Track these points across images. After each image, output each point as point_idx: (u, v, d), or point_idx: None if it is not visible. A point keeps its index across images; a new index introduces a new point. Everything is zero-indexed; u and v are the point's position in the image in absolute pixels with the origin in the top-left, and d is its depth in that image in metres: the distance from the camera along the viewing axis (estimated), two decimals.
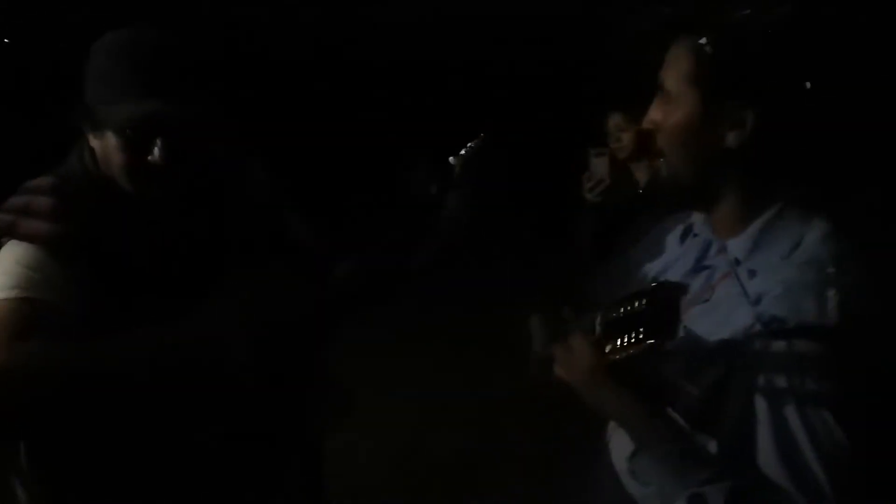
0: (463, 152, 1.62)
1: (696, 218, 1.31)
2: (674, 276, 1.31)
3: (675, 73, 1.16)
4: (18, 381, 1.16)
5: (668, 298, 1.08)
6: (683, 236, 1.34)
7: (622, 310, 1.10)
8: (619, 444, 1.27)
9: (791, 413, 1.05)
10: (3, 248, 1.35)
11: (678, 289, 1.12)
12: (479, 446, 3.81)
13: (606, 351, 1.12)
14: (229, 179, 1.54)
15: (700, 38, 1.12)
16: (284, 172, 1.68)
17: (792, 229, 1.15)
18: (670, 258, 1.35)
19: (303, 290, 1.47)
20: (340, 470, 2.69)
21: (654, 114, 1.19)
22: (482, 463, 3.68)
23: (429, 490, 3.46)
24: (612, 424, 1.34)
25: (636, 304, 1.09)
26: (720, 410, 1.12)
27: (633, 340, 1.08)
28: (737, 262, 1.18)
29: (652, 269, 1.38)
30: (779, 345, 1.07)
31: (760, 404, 1.08)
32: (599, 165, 2.87)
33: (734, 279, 1.17)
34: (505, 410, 4.04)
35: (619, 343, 1.10)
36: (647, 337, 1.06)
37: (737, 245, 1.19)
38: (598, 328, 1.15)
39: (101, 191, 1.38)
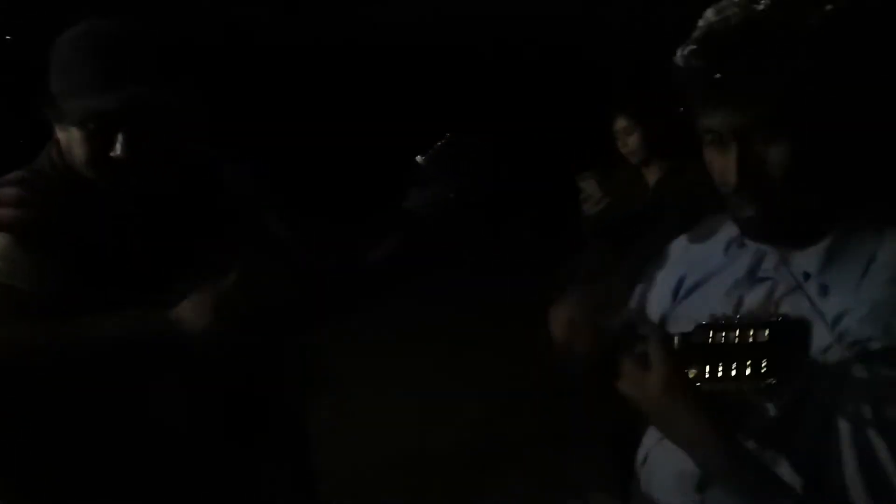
0: (430, 151, 1.62)
1: (734, 226, 1.21)
2: (719, 286, 1.22)
3: (728, 121, 1.07)
4: None
5: (798, 336, 0.98)
6: (728, 246, 1.24)
7: (724, 335, 0.99)
8: (664, 471, 1.20)
9: (879, 440, 0.99)
10: None
11: (808, 328, 1.01)
12: (481, 446, 3.80)
13: (692, 376, 1.01)
14: (202, 174, 1.54)
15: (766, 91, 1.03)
16: (262, 168, 1.67)
17: (864, 244, 1.08)
18: (708, 268, 1.26)
19: (275, 278, 1.47)
20: (338, 469, 2.70)
21: (724, 162, 1.10)
22: (483, 463, 3.66)
23: (429, 490, 3.44)
24: (644, 449, 1.26)
25: (753, 332, 0.97)
26: (799, 436, 1.05)
27: (744, 373, 0.96)
28: (806, 276, 1.10)
29: (689, 277, 1.29)
30: (864, 368, 1.01)
31: (845, 431, 1.01)
32: (591, 187, 2.87)
33: (801, 296, 1.10)
34: (507, 410, 4.04)
35: (715, 371, 0.99)
36: (769, 374, 0.95)
37: (805, 259, 1.11)
38: (677, 343, 1.05)
39: (68, 182, 1.39)
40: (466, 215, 1.65)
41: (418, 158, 1.62)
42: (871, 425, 0.99)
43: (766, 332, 0.96)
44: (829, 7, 1.02)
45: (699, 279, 1.27)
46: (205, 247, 1.45)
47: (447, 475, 3.54)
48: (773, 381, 0.95)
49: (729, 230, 1.24)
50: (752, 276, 1.18)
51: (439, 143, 1.62)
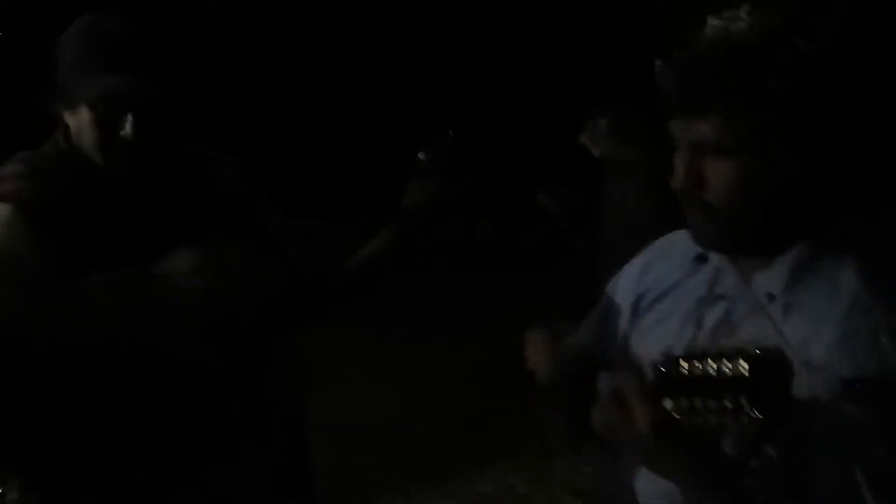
0: (431, 147, 1.63)
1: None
2: (679, 302, 1.21)
3: (685, 130, 1.08)
4: None
5: (780, 370, 0.94)
6: (688, 262, 1.23)
7: (700, 365, 0.95)
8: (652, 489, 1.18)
9: (849, 466, 0.98)
10: None
11: (787, 360, 0.96)
12: (474, 441, 3.80)
13: (669, 408, 0.98)
14: (202, 167, 1.61)
15: (728, 107, 1.04)
16: (260, 164, 1.71)
17: (826, 265, 1.08)
18: (670, 283, 1.25)
19: (268, 269, 1.53)
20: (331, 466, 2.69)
21: (680, 165, 1.10)
22: (475, 456, 3.67)
23: (422, 485, 3.44)
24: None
25: (730, 364, 0.93)
26: (765, 465, 1.04)
27: (725, 408, 0.93)
28: (770, 297, 1.09)
29: (649, 293, 1.28)
30: (833, 397, 0.99)
31: (819, 461, 1.01)
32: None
33: (763, 318, 1.08)
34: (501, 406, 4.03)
35: (693, 404, 0.95)
36: (751, 408, 0.92)
37: (768, 279, 1.10)
38: (650, 377, 1.01)
39: (73, 163, 1.46)
40: (463, 212, 1.66)
41: (420, 155, 1.64)
42: (847, 459, 0.97)
43: (746, 365, 0.92)
44: (800, 42, 1.03)
45: (658, 296, 1.26)
46: (196, 234, 1.49)
47: (442, 472, 3.54)
48: (757, 415, 0.92)
49: (687, 245, 1.22)
50: (711, 294, 1.17)
51: (441, 140, 1.63)
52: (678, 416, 0.96)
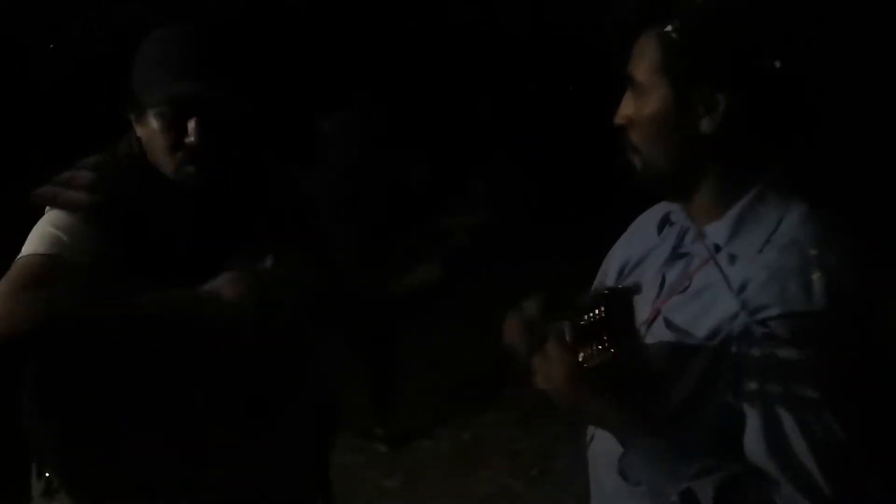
0: (484, 167, 1.64)
1: (673, 206, 1.28)
2: (651, 265, 1.28)
3: (644, 64, 1.14)
4: (25, 326, 1.28)
5: (621, 305, 1.08)
6: (661, 226, 1.31)
7: (585, 317, 1.09)
8: (603, 448, 1.24)
9: (779, 401, 1.04)
10: (44, 216, 1.48)
11: (629, 293, 1.11)
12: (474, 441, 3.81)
13: (580, 359, 1.09)
14: (260, 173, 1.65)
15: (666, 27, 1.11)
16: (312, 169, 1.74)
17: (770, 212, 1.13)
18: (646, 248, 1.33)
19: (319, 275, 1.57)
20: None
21: (626, 108, 1.18)
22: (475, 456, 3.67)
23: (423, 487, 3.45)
24: (591, 429, 1.31)
25: (595, 312, 1.07)
26: (706, 401, 1.10)
27: (599, 349, 1.06)
28: (716, 248, 1.15)
29: (630, 260, 1.35)
30: (766, 332, 1.05)
31: (747, 393, 1.06)
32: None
33: (713, 267, 1.14)
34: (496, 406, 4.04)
35: (589, 352, 1.08)
36: (608, 347, 1.05)
37: (715, 230, 1.16)
38: (567, 333, 1.12)
39: (142, 172, 1.50)
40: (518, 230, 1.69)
41: (473, 179, 1.67)
42: (774, 389, 1.04)
43: (602, 309, 1.06)
44: None
45: (637, 260, 1.34)
46: (253, 243, 1.53)
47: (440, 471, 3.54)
48: (611, 351, 1.05)
49: (662, 210, 1.32)
50: (675, 252, 1.25)
51: (490, 165, 1.65)
52: (585, 364, 1.08)
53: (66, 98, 5.17)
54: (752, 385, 1.06)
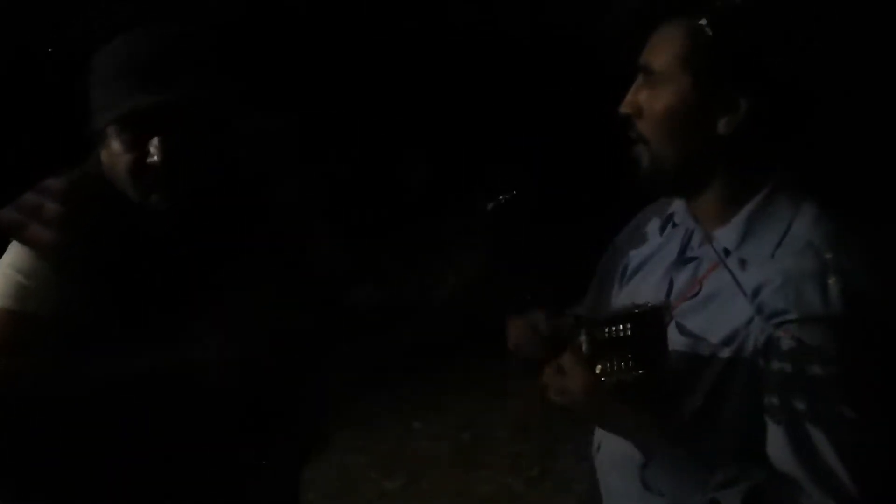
0: (497, 201, 1.46)
1: (676, 207, 1.25)
2: (656, 268, 1.26)
3: (665, 53, 1.10)
4: None
5: (654, 326, 1.04)
6: (663, 226, 1.28)
7: (607, 331, 1.06)
8: (612, 456, 1.23)
9: (802, 406, 1.02)
10: (6, 253, 1.33)
11: (662, 314, 1.08)
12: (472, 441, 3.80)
13: (598, 372, 1.07)
14: (245, 186, 1.48)
15: (698, 19, 1.07)
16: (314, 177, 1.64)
17: (780, 215, 1.11)
18: (649, 250, 1.30)
19: (303, 314, 1.41)
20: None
21: (638, 97, 1.14)
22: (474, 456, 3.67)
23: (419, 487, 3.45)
24: (597, 438, 1.29)
25: (621, 327, 1.04)
26: (727, 409, 1.08)
27: (622, 367, 1.04)
28: (726, 252, 1.13)
29: (632, 262, 1.33)
30: (784, 337, 1.03)
31: (769, 400, 1.05)
32: None
33: (723, 271, 1.13)
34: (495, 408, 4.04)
35: (609, 367, 1.06)
36: (636, 367, 1.03)
37: (725, 235, 1.14)
38: (585, 346, 1.09)
39: (111, 200, 1.33)
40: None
41: (488, 206, 1.48)
42: (796, 395, 1.02)
43: (629, 326, 1.04)
44: None
45: (640, 262, 1.31)
46: (239, 269, 1.39)
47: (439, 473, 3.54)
48: (640, 372, 1.03)
49: (664, 210, 1.29)
50: (683, 256, 1.22)
51: (505, 196, 1.47)
52: (603, 378, 1.06)
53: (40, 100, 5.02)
54: (773, 390, 1.04)
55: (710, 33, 1.06)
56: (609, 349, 1.06)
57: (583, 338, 1.10)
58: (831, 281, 1.03)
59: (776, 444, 1.04)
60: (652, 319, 1.05)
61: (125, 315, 1.29)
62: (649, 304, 1.06)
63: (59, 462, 1.26)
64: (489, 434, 3.85)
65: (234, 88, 1.36)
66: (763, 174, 1.13)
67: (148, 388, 1.24)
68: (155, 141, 1.25)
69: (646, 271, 1.29)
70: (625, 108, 1.14)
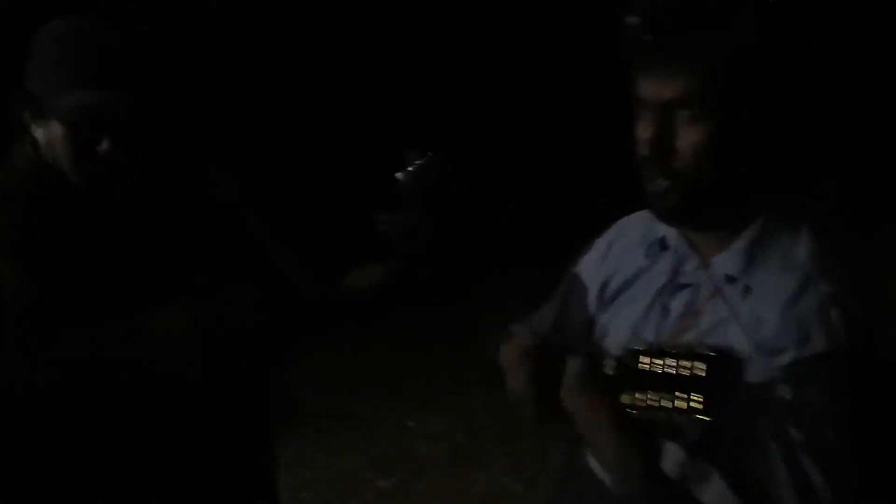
0: (409, 170, 1.48)
1: (666, 230, 1.20)
2: (643, 292, 1.21)
3: (695, 82, 1.05)
4: None
5: (729, 372, 0.97)
6: (650, 248, 1.23)
7: (664, 362, 0.98)
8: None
9: (799, 441, 1.00)
10: None
11: (739, 363, 1.00)
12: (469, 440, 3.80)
13: (623, 400, 1.00)
14: (189, 181, 1.48)
15: (718, 52, 1.04)
16: (252, 173, 1.62)
17: (780, 242, 1.09)
18: (632, 272, 1.24)
19: (260, 300, 1.41)
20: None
21: (661, 132, 1.08)
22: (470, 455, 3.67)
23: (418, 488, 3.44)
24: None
25: (689, 364, 0.96)
26: (725, 449, 1.05)
27: (675, 405, 0.96)
28: (728, 279, 1.10)
29: (612, 282, 1.27)
30: (785, 375, 1.01)
31: (771, 442, 1.02)
32: None
33: (721, 301, 1.10)
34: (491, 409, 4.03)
35: (647, 399, 0.98)
36: (704, 411, 0.94)
37: (726, 261, 1.11)
38: (611, 368, 1.03)
39: (46, 183, 1.32)
40: (443, 247, 1.54)
41: (398, 175, 1.48)
42: (799, 437, 0.99)
43: (704, 366, 0.95)
44: None
45: (624, 282, 1.25)
46: (186, 255, 1.40)
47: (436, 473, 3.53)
48: (705, 418, 0.95)
49: (649, 229, 1.23)
50: (675, 282, 1.17)
51: (418, 162, 1.48)
52: (633, 411, 0.99)
53: None
54: (772, 424, 1.02)
55: (746, 50, 1.03)
56: (656, 382, 0.98)
57: (612, 362, 1.04)
58: (834, 315, 1.02)
59: (779, 488, 1.01)
60: (729, 364, 0.98)
61: (66, 309, 1.28)
62: (720, 349, 0.99)
63: (25, 454, 1.26)
64: (485, 434, 3.85)
65: (183, 87, 1.39)
66: (757, 199, 1.12)
67: (90, 378, 1.25)
68: (107, 139, 1.26)
69: (632, 293, 1.24)
70: (650, 149, 1.07)
